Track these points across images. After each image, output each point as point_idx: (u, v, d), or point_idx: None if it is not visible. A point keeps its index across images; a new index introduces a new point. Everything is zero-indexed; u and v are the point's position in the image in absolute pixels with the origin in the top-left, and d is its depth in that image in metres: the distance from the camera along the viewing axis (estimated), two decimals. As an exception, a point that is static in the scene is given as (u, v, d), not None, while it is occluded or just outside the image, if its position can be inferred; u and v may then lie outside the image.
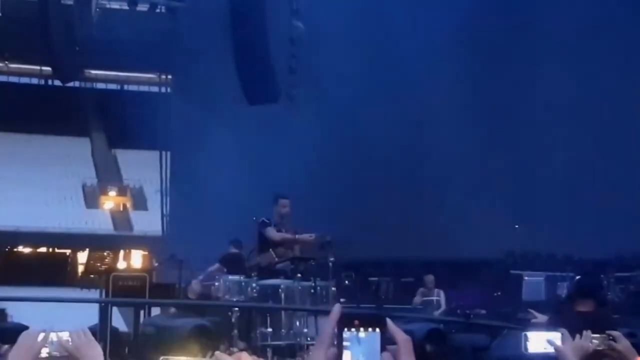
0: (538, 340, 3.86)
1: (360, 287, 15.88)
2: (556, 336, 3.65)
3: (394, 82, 18.05)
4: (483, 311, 14.58)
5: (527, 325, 6.02)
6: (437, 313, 14.44)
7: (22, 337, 2.96)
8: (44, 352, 2.99)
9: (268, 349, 9.99)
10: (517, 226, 18.15)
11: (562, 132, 17.51)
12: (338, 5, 17.89)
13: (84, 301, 12.62)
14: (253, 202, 12.75)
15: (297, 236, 10.75)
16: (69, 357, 3.02)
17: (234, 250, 12.53)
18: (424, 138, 18.04)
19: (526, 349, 4.02)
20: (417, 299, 14.81)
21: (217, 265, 12.19)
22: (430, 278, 15.04)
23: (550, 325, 4.73)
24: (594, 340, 3.68)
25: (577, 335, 3.66)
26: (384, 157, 17.93)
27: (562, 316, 6.38)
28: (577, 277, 6.72)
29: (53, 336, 3.01)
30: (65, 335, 3.01)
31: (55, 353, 3.02)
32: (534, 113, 18.13)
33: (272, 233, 10.81)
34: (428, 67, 17.26)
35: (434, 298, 14.87)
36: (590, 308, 6.10)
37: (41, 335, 2.97)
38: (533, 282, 16.86)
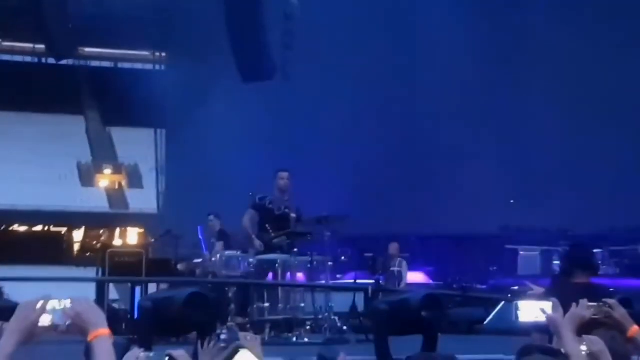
0: (529, 310, 3.88)
1: (357, 262, 15.88)
2: (547, 305, 3.67)
3: (393, 57, 18.03)
4: (483, 286, 14.65)
5: (523, 297, 6.04)
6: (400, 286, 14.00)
7: (20, 306, 2.94)
8: (45, 321, 2.96)
9: (266, 324, 10.03)
10: (512, 201, 18.20)
11: (556, 107, 17.50)
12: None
13: (83, 280, 12.61)
14: (248, 178, 12.76)
15: (253, 236, 10.76)
16: (72, 325, 3.00)
17: (214, 220, 12.54)
18: (420, 113, 18.04)
19: (517, 318, 4.04)
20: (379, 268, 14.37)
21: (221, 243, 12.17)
22: (394, 246, 14.36)
23: (546, 297, 4.75)
24: (590, 309, 3.69)
25: (574, 304, 3.67)
26: (381, 132, 17.92)
27: (558, 289, 6.40)
28: (568, 249, 6.73)
29: (54, 304, 2.98)
30: (66, 303, 2.99)
31: (57, 321, 2.99)
32: (530, 89, 18.12)
33: (245, 218, 10.86)
34: (426, 41, 17.26)
35: (395, 269, 14.28)
36: (585, 279, 6.14)
37: (40, 303, 2.94)
38: (528, 256, 16.93)
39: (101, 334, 3.04)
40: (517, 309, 4.11)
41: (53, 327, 2.97)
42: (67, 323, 2.96)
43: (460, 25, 17.37)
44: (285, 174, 10.94)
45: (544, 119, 17.82)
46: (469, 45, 17.55)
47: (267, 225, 10.86)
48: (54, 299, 2.98)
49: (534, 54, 18.06)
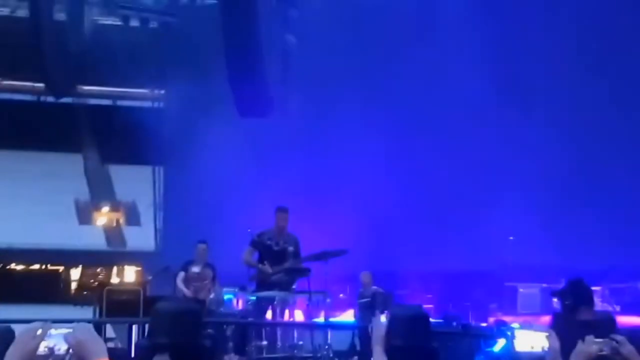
0: (525, 340, 3.85)
1: (356, 299, 15.81)
2: (543, 336, 3.65)
3: (395, 90, 18.08)
4: (484, 323, 14.53)
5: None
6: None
7: (20, 333, 2.90)
8: (43, 348, 2.92)
9: (263, 363, 9.95)
10: (511, 237, 18.14)
11: (553, 137, 17.49)
12: (330, 16, 17.94)
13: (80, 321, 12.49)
14: (247, 214, 12.75)
15: (259, 266, 10.87)
16: (72, 353, 2.95)
17: (202, 246, 12.48)
18: (422, 148, 18.01)
19: (514, 347, 4.01)
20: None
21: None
22: (366, 275, 13.66)
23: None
24: (597, 345, 3.65)
25: (580, 341, 3.63)
26: (380, 169, 17.90)
27: (561, 326, 6.32)
28: (567, 285, 6.65)
29: (53, 331, 2.94)
30: (66, 330, 2.94)
31: (57, 349, 2.95)
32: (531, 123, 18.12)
33: (244, 255, 11.02)
34: (431, 73, 17.36)
35: (368, 299, 13.76)
36: (590, 315, 6.07)
37: (39, 330, 2.90)
38: (528, 293, 16.85)
39: None
40: (514, 338, 4.09)
41: (51, 356, 2.93)
42: (69, 352, 2.92)
43: (463, 60, 17.42)
44: (284, 214, 11.10)
45: (544, 156, 17.81)
46: (468, 67, 17.57)
47: (265, 262, 10.88)
48: (53, 327, 2.94)
49: (536, 94, 18.09)
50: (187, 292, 11.46)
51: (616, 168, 17.43)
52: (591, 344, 3.62)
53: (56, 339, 2.97)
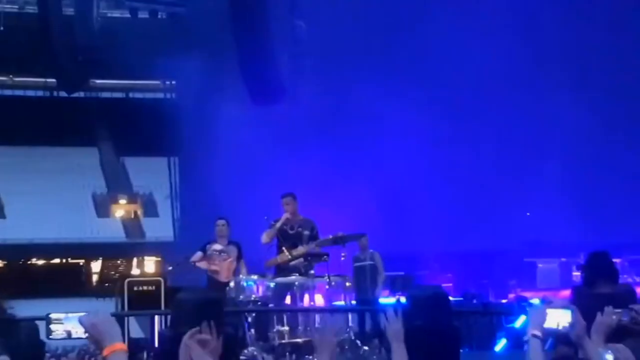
0: (550, 317, 3.84)
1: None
2: (567, 312, 3.66)
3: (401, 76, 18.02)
4: (503, 300, 14.54)
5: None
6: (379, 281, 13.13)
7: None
8: (61, 332, 2.92)
9: (286, 348, 10.01)
10: (528, 213, 18.13)
11: (572, 115, 17.41)
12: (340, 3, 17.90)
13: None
14: (263, 203, 12.77)
15: (283, 248, 10.91)
16: (88, 336, 2.95)
17: (221, 222, 12.37)
18: (436, 129, 17.94)
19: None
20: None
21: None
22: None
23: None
24: (616, 315, 3.66)
25: (599, 313, 3.65)
26: (395, 150, 17.88)
27: (581, 300, 6.31)
28: (588, 258, 6.60)
29: (70, 315, 2.95)
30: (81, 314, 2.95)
31: (74, 332, 2.95)
32: (547, 100, 18.05)
33: (263, 236, 11.02)
34: (442, 66, 17.30)
35: (367, 263, 13.11)
36: (609, 288, 6.03)
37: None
38: (547, 269, 16.83)
39: (117, 348, 2.99)
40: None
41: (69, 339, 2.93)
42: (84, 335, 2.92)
43: (484, 37, 17.28)
44: (287, 199, 11.14)
45: (562, 130, 17.73)
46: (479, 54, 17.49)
47: (282, 247, 10.94)
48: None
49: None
50: (212, 268, 11.28)
51: (637, 141, 17.38)
52: (610, 315, 3.64)
53: (73, 323, 2.97)
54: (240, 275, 10.85)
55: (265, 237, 11.15)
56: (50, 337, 3.09)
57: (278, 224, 11.02)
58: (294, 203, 11.17)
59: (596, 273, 6.22)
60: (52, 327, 3.07)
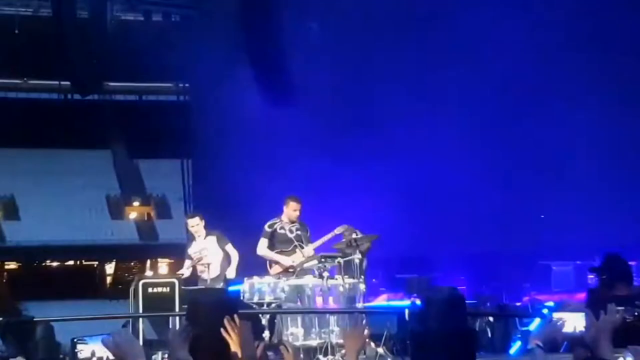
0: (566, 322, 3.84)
1: (389, 285, 15.84)
2: (579, 317, 3.66)
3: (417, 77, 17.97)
4: (517, 303, 14.50)
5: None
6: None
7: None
8: (86, 353, 3.03)
9: (300, 350, 10.01)
10: (542, 216, 18.07)
11: (591, 120, 17.31)
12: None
13: (120, 317, 12.56)
14: (276, 205, 12.77)
15: (275, 256, 10.91)
16: (111, 357, 3.04)
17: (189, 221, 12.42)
18: (450, 129, 17.87)
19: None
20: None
21: None
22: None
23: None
24: (620, 313, 3.66)
25: (602, 311, 3.65)
26: (408, 153, 17.85)
27: (598, 302, 6.28)
28: (604, 261, 6.59)
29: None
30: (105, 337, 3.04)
31: (98, 353, 3.07)
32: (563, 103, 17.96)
33: (259, 248, 11.04)
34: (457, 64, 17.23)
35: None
36: (626, 291, 6.02)
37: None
38: (562, 271, 16.77)
39: None
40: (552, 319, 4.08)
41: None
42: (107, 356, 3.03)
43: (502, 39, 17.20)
44: (298, 205, 11.18)
45: (579, 135, 17.63)
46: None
47: (283, 251, 10.97)
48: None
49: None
50: (199, 273, 11.40)
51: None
52: (614, 313, 3.63)
53: (96, 343, 3.10)
54: (254, 277, 10.86)
55: (264, 252, 11.12)
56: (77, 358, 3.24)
57: (291, 263, 10.96)
58: (301, 207, 11.24)
59: (613, 275, 6.20)
60: (79, 347, 3.22)
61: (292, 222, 11.19)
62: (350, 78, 18.11)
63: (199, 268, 11.63)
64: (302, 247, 11.02)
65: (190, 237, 12.05)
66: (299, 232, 11.13)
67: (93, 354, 2.62)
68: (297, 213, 11.20)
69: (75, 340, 7.86)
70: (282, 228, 11.18)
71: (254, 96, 18.07)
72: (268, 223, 11.30)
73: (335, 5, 18.23)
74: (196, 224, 11.84)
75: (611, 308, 3.65)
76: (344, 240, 10.96)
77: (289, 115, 17.96)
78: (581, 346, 3.86)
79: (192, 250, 11.81)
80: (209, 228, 11.90)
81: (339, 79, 18.10)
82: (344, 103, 18.44)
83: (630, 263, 7.01)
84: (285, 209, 11.37)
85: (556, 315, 3.83)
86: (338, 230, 11.05)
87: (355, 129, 18.38)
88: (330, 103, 18.29)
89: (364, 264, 11.24)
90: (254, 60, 17.81)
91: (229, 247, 11.60)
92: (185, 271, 11.78)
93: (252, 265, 12.27)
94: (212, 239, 11.71)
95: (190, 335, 3.37)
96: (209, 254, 11.65)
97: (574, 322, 3.69)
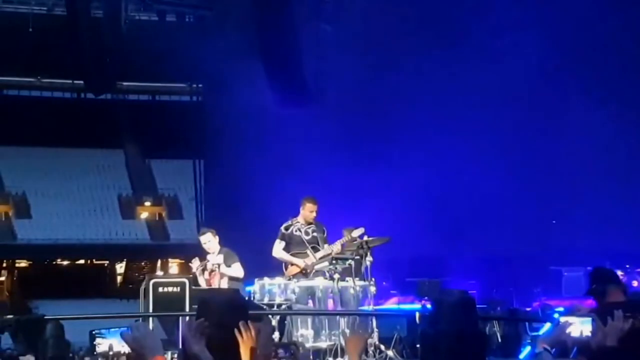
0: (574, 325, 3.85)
1: (400, 288, 15.80)
2: (587, 320, 3.68)
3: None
4: (528, 308, 14.44)
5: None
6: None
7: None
8: (104, 346, 3.08)
9: (310, 351, 10.00)
10: (554, 221, 18.02)
11: (604, 126, 17.26)
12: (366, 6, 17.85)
13: (131, 316, 12.58)
14: (289, 207, 12.77)
15: (290, 259, 10.87)
16: (130, 350, 3.08)
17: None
18: (460, 134, 17.86)
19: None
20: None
21: None
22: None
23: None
24: (626, 319, 3.67)
25: (609, 318, 3.67)
26: (418, 156, 17.83)
27: (606, 310, 6.29)
28: (592, 272, 6.65)
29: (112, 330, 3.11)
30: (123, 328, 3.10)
31: (115, 347, 3.11)
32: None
33: (275, 250, 11.01)
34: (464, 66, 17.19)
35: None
36: (620, 297, 6.05)
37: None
38: (573, 277, 16.71)
39: None
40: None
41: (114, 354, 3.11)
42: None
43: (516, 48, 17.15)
44: (314, 206, 11.13)
45: (590, 141, 17.57)
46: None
47: (298, 253, 10.96)
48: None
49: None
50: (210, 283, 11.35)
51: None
52: (620, 319, 3.65)
53: (113, 337, 3.15)
54: (265, 278, 10.87)
55: (280, 254, 11.09)
56: (95, 353, 3.28)
57: (305, 264, 10.91)
58: (317, 208, 11.18)
59: (602, 282, 6.24)
60: (97, 341, 3.27)
61: (309, 223, 11.13)
62: (364, 80, 18.09)
63: (212, 282, 11.53)
64: (317, 250, 10.98)
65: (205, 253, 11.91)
66: (314, 234, 11.07)
67: (110, 347, 2.64)
68: (314, 214, 11.12)
69: (94, 332, 7.82)
70: (297, 230, 11.13)
71: (267, 97, 18.08)
72: (284, 225, 11.22)
73: (350, 7, 18.22)
74: (208, 241, 11.59)
75: (618, 314, 3.66)
76: (356, 242, 10.93)
77: (302, 116, 17.96)
78: (581, 352, 3.85)
79: (210, 264, 11.65)
80: (222, 244, 11.69)
81: (352, 81, 18.08)
82: (358, 104, 18.41)
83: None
84: (301, 210, 11.29)
85: (563, 319, 3.84)
86: (354, 233, 11.02)
87: (368, 131, 18.38)
88: (345, 104, 18.27)
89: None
90: (267, 62, 17.82)
91: (236, 266, 11.42)
92: (195, 264, 11.59)
93: (264, 267, 12.27)
94: (221, 256, 11.57)
95: (207, 330, 3.38)
96: (221, 269, 11.55)
97: (581, 326, 3.70)
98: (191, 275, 11.95)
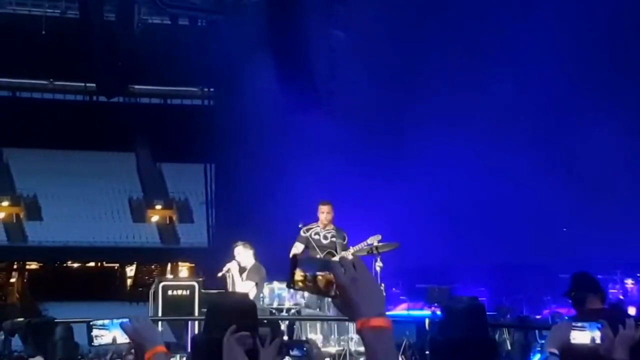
0: (579, 333, 3.83)
1: (409, 294, 15.77)
2: (596, 328, 3.65)
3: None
4: (538, 316, 14.39)
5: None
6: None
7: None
8: (108, 338, 3.07)
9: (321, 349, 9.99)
10: (565, 229, 17.96)
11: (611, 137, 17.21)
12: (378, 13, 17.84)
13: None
14: (299, 211, 12.76)
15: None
16: (130, 342, 3.08)
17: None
18: (471, 141, 17.83)
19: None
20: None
21: None
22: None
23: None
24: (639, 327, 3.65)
25: (620, 326, 3.64)
26: (426, 164, 17.81)
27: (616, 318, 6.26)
28: (572, 278, 6.62)
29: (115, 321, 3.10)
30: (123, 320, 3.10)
31: (118, 338, 3.10)
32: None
33: (293, 250, 10.93)
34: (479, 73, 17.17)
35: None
36: (599, 304, 6.03)
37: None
38: (583, 285, 16.64)
39: (158, 351, 3.12)
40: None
41: (113, 344, 3.10)
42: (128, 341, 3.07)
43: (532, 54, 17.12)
44: (327, 207, 11.03)
45: (597, 151, 17.52)
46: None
47: (318, 256, 10.89)
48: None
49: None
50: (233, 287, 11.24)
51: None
52: (632, 327, 3.63)
53: (116, 329, 3.13)
54: (274, 282, 10.84)
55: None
56: (93, 343, 3.23)
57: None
58: (332, 212, 11.08)
59: (582, 290, 6.21)
60: (96, 332, 3.20)
61: (327, 227, 11.04)
62: (376, 85, 18.08)
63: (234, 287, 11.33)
64: (333, 255, 10.91)
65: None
66: (333, 239, 10.98)
67: (114, 340, 2.62)
68: (329, 216, 11.00)
69: (91, 324, 7.77)
70: (317, 234, 11.06)
71: (279, 102, 18.09)
72: (304, 227, 11.14)
73: (363, 13, 18.21)
74: (238, 253, 11.25)
75: (630, 323, 3.64)
76: (365, 248, 10.89)
77: (314, 121, 17.96)
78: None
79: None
80: (257, 258, 11.39)
81: (364, 86, 18.07)
82: (370, 110, 18.40)
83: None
84: (318, 213, 11.25)
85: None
86: (370, 240, 10.95)
87: (380, 138, 18.37)
88: (357, 110, 18.26)
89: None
90: (279, 66, 17.83)
91: (247, 284, 11.14)
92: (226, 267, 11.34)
93: (274, 271, 12.25)
94: (236, 265, 11.37)
95: (250, 345, 3.30)
96: (235, 278, 11.39)
97: (591, 333, 3.68)
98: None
